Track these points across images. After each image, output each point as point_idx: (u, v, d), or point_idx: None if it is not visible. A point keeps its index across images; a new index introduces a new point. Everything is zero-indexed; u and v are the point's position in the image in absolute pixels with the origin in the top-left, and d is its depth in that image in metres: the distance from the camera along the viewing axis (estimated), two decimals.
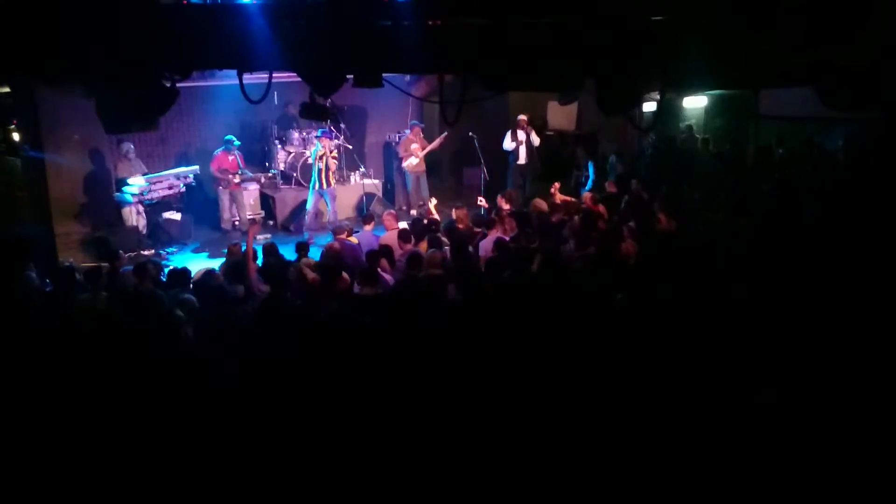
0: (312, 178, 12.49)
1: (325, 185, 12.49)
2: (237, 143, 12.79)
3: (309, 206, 12.61)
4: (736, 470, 4.35)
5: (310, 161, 12.82)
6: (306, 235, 11.74)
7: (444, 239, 8.59)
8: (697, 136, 14.84)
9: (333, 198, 12.77)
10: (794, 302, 5.79)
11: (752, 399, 4.74)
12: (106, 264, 8.20)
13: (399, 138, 14.40)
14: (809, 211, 8.89)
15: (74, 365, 5.25)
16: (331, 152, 12.57)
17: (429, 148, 13.76)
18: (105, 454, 4.56)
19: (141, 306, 6.24)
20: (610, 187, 11.05)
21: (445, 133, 13.21)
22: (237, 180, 12.83)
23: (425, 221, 9.42)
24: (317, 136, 12.87)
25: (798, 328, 5.37)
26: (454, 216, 9.75)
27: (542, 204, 10.06)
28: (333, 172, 12.78)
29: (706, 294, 6.07)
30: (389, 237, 8.90)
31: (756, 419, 4.59)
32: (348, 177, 14.28)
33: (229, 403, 4.82)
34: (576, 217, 9.12)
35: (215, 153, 12.79)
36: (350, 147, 14.25)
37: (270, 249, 8.52)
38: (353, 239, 9.28)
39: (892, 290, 5.79)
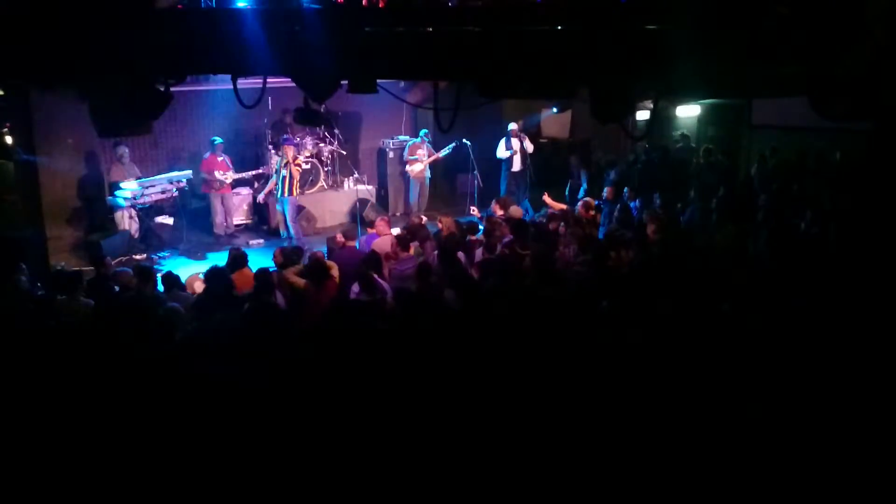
0: (278, 187, 12.14)
1: (286, 194, 12.06)
2: (219, 140, 12.71)
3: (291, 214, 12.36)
4: (722, 481, 4.35)
5: (273, 170, 12.43)
6: (297, 242, 11.67)
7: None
8: (693, 144, 14.77)
9: (293, 208, 12.33)
10: (789, 311, 5.81)
11: (741, 410, 4.74)
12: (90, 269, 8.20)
13: (393, 144, 14.42)
14: (804, 222, 8.90)
15: (62, 367, 5.23)
16: (294, 160, 12.17)
17: (434, 156, 13.77)
18: (95, 457, 4.53)
19: (139, 311, 6.24)
20: (608, 195, 11.06)
21: (455, 143, 13.20)
22: (229, 180, 12.75)
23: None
24: (282, 142, 12.59)
25: (794, 339, 5.38)
26: (439, 225, 9.73)
27: (518, 212, 10.09)
28: (297, 181, 12.33)
29: (695, 305, 6.09)
30: (382, 243, 8.90)
31: (745, 430, 4.59)
32: (342, 182, 14.26)
33: (221, 408, 4.80)
34: (562, 224, 9.14)
35: (204, 156, 12.77)
36: (344, 153, 14.25)
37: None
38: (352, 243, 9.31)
39: (889, 300, 5.81)
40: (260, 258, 10.45)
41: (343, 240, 8.92)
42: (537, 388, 4.92)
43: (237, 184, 13.21)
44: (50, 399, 4.93)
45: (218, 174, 12.57)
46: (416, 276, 7.30)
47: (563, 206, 10.70)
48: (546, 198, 10.97)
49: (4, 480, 4.41)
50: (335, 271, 7.70)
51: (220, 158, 12.70)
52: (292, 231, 12.26)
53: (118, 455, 4.53)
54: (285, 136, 12.89)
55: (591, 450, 4.53)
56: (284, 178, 12.01)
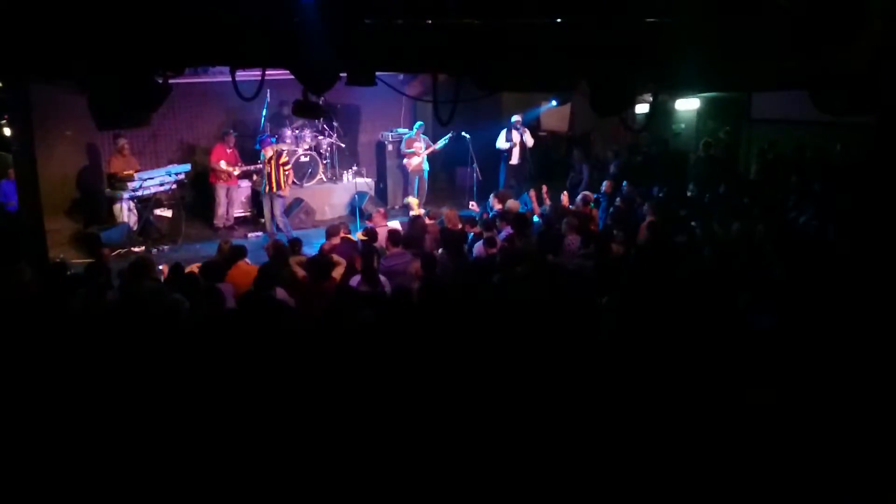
0: (263, 183, 12.17)
1: (274, 189, 12.08)
2: (229, 131, 12.72)
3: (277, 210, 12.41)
4: (725, 474, 4.35)
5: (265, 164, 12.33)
6: (281, 236, 11.61)
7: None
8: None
9: (282, 203, 12.38)
10: (790, 308, 5.80)
11: (745, 402, 4.74)
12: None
13: (392, 137, 14.40)
14: (804, 216, 8.90)
15: (71, 361, 5.22)
16: (279, 158, 12.11)
17: (431, 148, 13.76)
18: (100, 452, 4.53)
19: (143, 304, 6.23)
20: (606, 188, 11.06)
21: (451, 135, 13.19)
22: (237, 172, 12.74)
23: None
24: (257, 144, 12.58)
25: (798, 334, 5.37)
26: (444, 217, 9.73)
27: (515, 204, 10.09)
28: (283, 179, 12.21)
29: (702, 302, 6.08)
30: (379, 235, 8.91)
31: (750, 423, 4.59)
32: (341, 175, 14.25)
33: (224, 402, 4.80)
34: (564, 221, 9.14)
35: (214, 146, 12.75)
36: (343, 145, 14.23)
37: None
38: (351, 237, 9.32)
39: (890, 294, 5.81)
40: (260, 251, 10.41)
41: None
42: (534, 385, 4.92)
43: (242, 176, 13.19)
44: (49, 393, 4.93)
45: (224, 164, 12.56)
46: (422, 267, 7.30)
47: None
48: (544, 190, 10.90)
49: (9, 470, 4.41)
50: (339, 270, 7.65)
51: (229, 150, 12.69)
52: (279, 225, 12.28)
53: (119, 447, 4.53)
54: (262, 136, 12.74)
55: (592, 444, 4.54)
56: (269, 174, 12.03)
